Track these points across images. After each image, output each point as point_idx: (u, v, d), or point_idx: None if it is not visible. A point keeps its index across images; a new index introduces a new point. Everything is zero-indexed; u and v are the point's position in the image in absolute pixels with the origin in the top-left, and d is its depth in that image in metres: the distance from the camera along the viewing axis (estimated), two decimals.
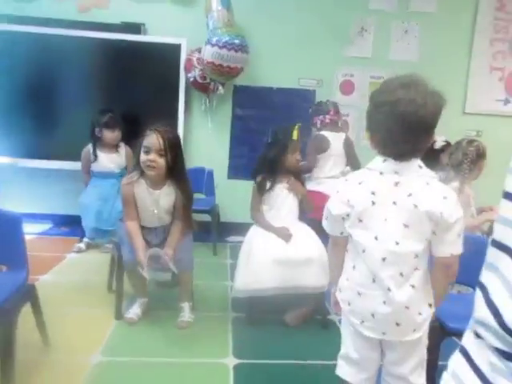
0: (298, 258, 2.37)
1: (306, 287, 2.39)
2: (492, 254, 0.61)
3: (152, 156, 2.22)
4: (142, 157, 2.25)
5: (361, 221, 1.32)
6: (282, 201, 2.56)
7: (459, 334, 2.31)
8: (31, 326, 2.07)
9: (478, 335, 0.59)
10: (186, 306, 2.52)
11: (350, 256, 1.40)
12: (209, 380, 2.02)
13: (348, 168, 3.32)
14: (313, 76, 4.34)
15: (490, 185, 3.06)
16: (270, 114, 4.23)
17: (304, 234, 2.52)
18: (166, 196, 2.35)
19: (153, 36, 4.10)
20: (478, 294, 0.62)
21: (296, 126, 2.62)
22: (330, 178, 3.16)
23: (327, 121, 3.30)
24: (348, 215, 1.33)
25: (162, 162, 2.23)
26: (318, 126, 3.31)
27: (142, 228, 2.39)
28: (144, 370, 2.05)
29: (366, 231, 1.31)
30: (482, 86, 4.45)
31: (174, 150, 2.26)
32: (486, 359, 0.57)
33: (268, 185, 2.53)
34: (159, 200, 2.33)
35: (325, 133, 3.26)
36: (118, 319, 2.48)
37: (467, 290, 2.18)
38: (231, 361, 2.16)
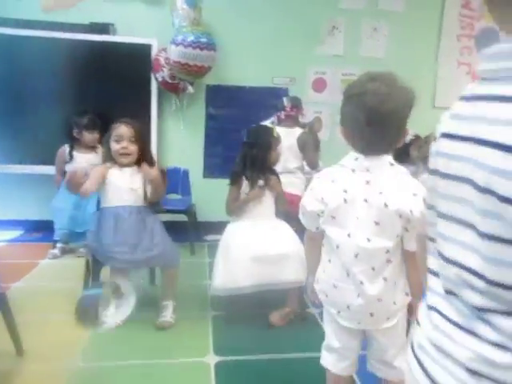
0: (275, 254, 2.38)
1: (284, 283, 2.40)
2: (441, 224, 0.67)
3: (124, 143, 2.39)
4: (115, 146, 2.39)
5: (334, 218, 1.34)
6: (260, 198, 2.57)
7: None
8: (4, 336, 2.02)
9: (449, 292, 0.65)
10: (169, 304, 2.48)
11: (325, 250, 1.43)
12: (191, 379, 2.01)
13: (308, 169, 3.30)
14: (286, 74, 4.37)
15: None
16: (244, 113, 4.22)
17: (281, 230, 2.53)
18: (138, 173, 2.47)
19: (122, 36, 4.04)
20: (440, 262, 0.67)
21: (272, 125, 2.67)
22: (281, 173, 2.99)
23: (283, 116, 3.28)
24: (322, 212, 1.36)
25: (134, 148, 2.42)
26: (276, 121, 3.29)
27: (118, 213, 2.40)
28: (125, 373, 2.03)
29: (339, 228, 1.34)
30: (451, 80, 4.56)
31: (142, 138, 2.49)
32: (459, 312, 0.63)
33: (249, 183, 2.53)
34: (133, 175, 2.45)
35: (277, 128, 3.12)
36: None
37: None
38: (212, 359, 2.16)
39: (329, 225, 1.36)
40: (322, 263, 1.45)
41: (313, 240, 1.48)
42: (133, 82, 4.01)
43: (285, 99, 3.37)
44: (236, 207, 2.57)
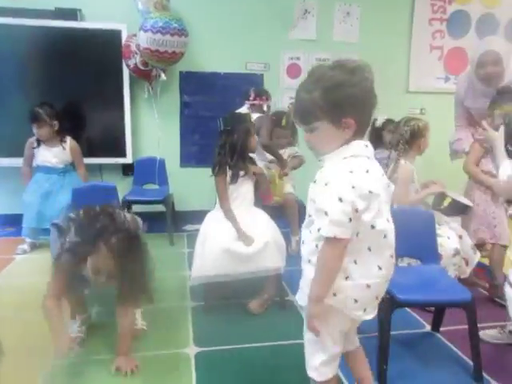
0: (253, 245, 2.38)
1: (262, 270, 2.40)
2: None
3: (103, 278, 1.85)
4: (91, 274, 1.85)
5: (380, 209, 1.29)
6: (241, 186, 2.55)
7: (409, 305, 2.43)
8: None
9: None
10: (136, 312, 2.26)
11: (350, 252, 1.27)
12: (171, 371, 2.00)
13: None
14: (260, 60, 4.33)
15: (431, 159, 3.20)
16: (220, 100, 4.19)
17: (259, 218, 2.54)
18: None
19: (90, 22, 3.91)
20: None
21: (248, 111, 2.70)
22: None
23: (248, 106, 3.54)
24: (365, 208, 1.23)
25: (115, 281, 1.88)
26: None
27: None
28: (104, 368, 2.00)
29: (381, 218, 1.30)
30: (424, 64, 4.60)
31: (130, 268, 1.82)
32: None
33: (233, 172, 2.50)
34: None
35: None
36: (73, 319, 2.40)
37: (416, 262, 2.28)
38: (192, 350, 2.15)
39: (378, 217, 1.28)
40: (341, 271, 1.28)
41: (344, 249, 1.25)
42: (103, 70, 3.90)
43: (251, 90, 3.65)
44: (229, 216, 2.47)
